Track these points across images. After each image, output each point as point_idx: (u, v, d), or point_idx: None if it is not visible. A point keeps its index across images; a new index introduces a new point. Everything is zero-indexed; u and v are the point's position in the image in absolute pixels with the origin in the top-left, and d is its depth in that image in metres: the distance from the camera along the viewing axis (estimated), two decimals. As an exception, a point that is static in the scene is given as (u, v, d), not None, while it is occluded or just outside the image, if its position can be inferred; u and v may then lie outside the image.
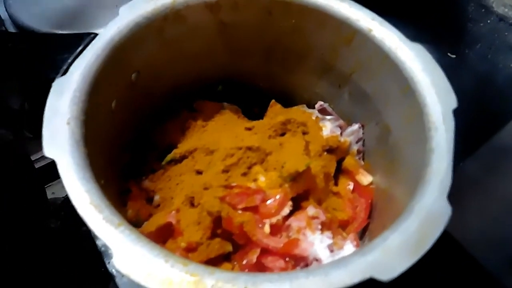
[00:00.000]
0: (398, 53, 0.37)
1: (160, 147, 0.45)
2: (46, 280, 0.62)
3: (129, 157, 0.42)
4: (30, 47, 0.49)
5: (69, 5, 0.61)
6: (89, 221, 0.27)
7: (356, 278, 0.25)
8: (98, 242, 0.45)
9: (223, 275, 0.25)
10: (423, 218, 0.28)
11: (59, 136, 0.30)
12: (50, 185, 0.68)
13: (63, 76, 0.34)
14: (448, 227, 0.28)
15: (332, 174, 0.43)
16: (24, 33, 0.56)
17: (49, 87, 0.33)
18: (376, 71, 0.40)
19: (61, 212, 0.65)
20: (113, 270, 0.43)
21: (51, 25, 0.57)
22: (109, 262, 0.44)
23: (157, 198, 0.41)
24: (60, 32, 0.54)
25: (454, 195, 0.29)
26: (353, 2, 0.39)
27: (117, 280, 0.42)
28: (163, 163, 0.42)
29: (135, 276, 0.25)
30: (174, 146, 0.44)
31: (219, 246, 0.34)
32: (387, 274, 0.26)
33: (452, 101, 0.34)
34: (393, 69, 0.37)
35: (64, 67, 0.44)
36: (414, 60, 0.36)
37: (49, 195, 0.67)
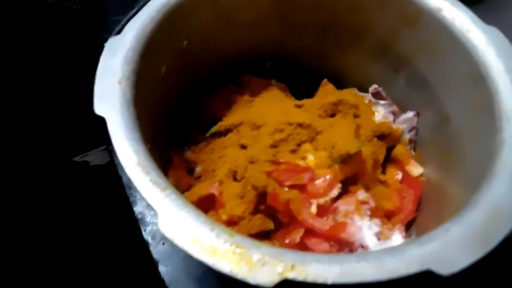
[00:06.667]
0: (470, 36, 0.34)
1: (204, 119, 0.44)
2: (78, 246, 0.63)
3: (173, 125, 0.41)
4: (85, 6, 0.49)
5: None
6: (136, 182, 0.26)
7: (413, 269, 0.23)
8: (136, 209, 0.45)
9: (270, 250, 0.24)
10: (490, 211, 0.26)
11: (110, 94, 0.30)
12: (87, 154, 0.69)
13: (117, 36, 0.33)
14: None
15: (381, 162, 0.41)
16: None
17: (102, 46, 0.33)
18: (441, 54, 0.37)
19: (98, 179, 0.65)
20: (148, 238, 0.43)
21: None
22: (145, 230, 0.43)
23: (198, 169, 0.40)
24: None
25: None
26: (422, -22, 0.37)
27: (152, 248, 0.42)
28: (207, 135, 0.42)
29: (180, 241, 0.24)
30: (218, 119, 0.43)
31: (260, 222, 0.33)
32: (447, 268, 0.23)
33: (528, 91, 0.31)
34: (462, 53, 0.34)
35: (118, 28, 0.43)
36: (488, 44, 0.33)
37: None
